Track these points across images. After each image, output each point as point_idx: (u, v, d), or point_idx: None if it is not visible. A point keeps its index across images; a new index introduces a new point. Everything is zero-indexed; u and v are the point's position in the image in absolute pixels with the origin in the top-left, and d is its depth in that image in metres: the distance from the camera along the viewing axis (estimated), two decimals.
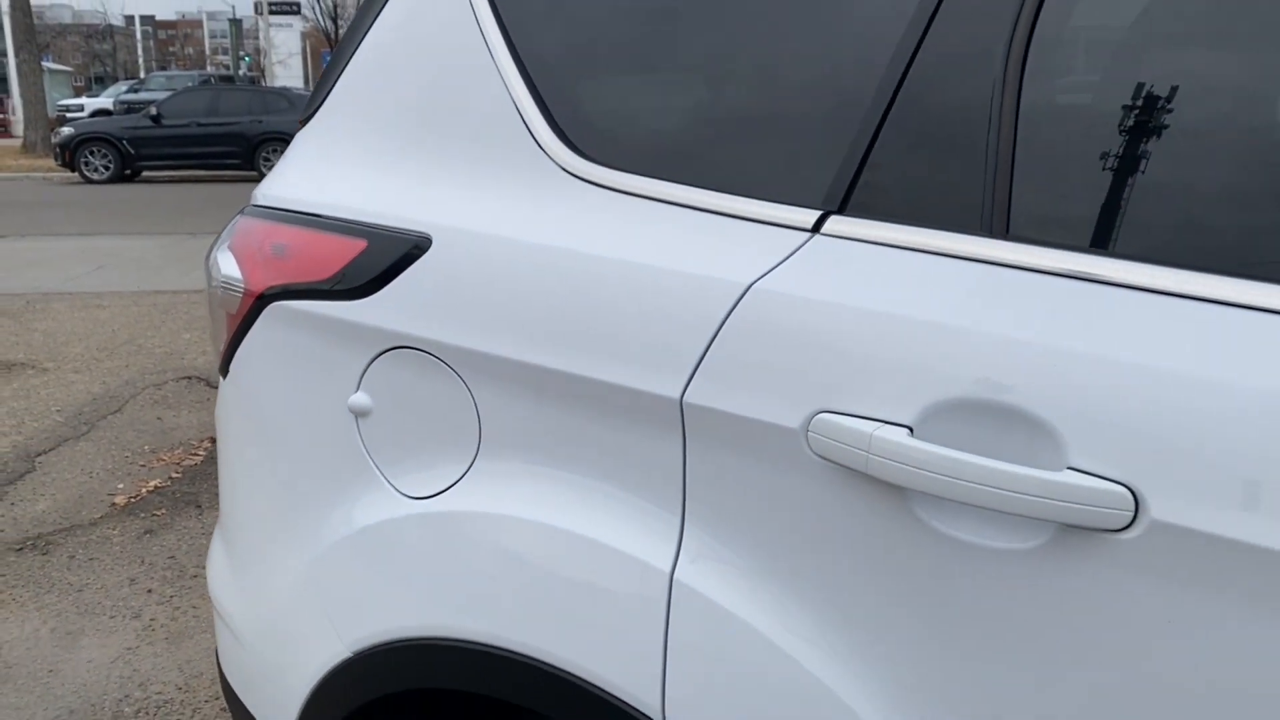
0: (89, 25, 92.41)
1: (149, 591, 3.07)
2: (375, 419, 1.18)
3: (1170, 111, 0.82)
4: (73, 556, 3.32)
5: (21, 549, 3.37)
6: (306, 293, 1.23)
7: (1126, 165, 0.83)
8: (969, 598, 0.81)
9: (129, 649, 2.75)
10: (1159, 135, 0.82)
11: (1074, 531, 0.76)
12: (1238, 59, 0.81)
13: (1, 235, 10.79)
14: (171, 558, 3.31)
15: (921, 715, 0.84)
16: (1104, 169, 0.83)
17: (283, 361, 1.27)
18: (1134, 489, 0.73)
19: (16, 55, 23.63)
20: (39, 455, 4.25)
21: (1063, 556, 0.77)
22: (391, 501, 1.16)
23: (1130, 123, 0.83)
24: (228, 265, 1.34)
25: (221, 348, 1.38)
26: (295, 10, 37.51)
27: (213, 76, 24.54)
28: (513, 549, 1.05)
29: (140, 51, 70.93)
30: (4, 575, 3.17)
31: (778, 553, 0.91)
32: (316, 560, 1.23)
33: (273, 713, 1.33)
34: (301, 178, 1.34)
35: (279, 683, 1.30)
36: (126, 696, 2.53)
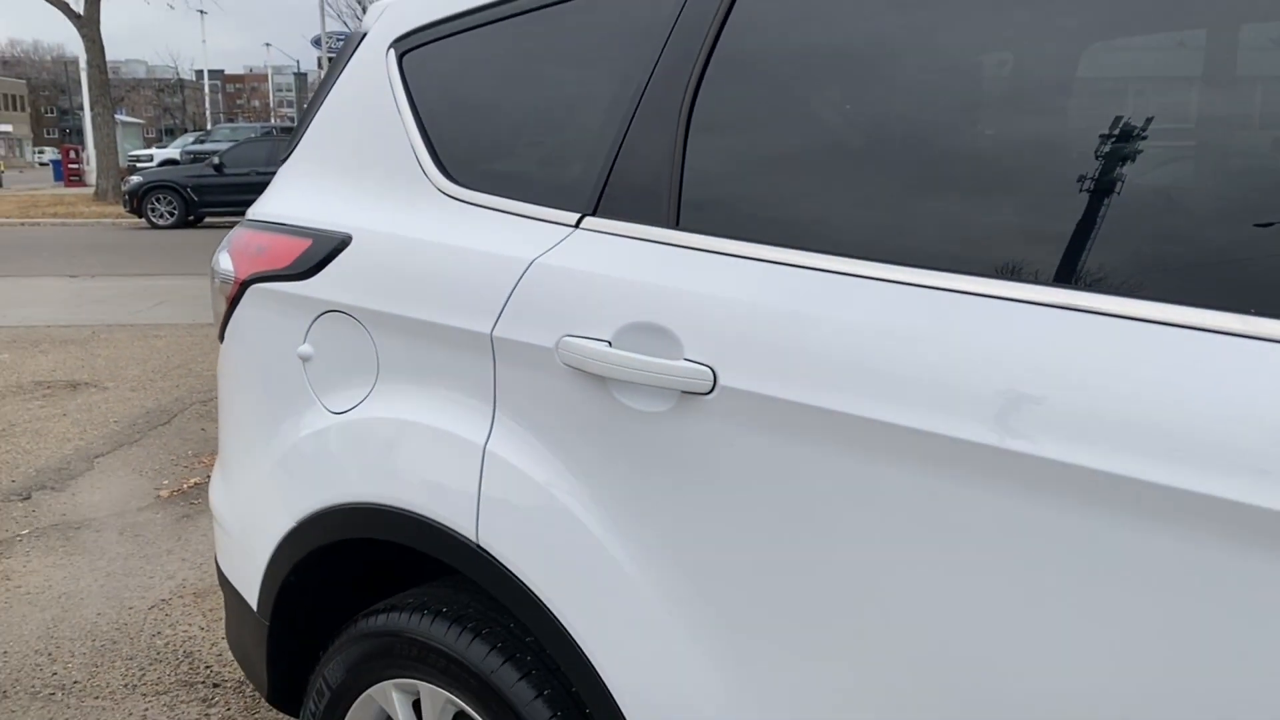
0: (161, 80, 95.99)
1: (183, 560, 3.63)
2: (314, 362, 1.72)
3: (774, 139, 1.33)
4: (121, 533, 3.89)
5: (80, 528, 3.96)
6: (272, 277, 1.78)
7: (739, 190, 1.34)
8: (642, 446, 1.32)
9: (163, 600, 3.30)
10: (762, 163, 1.34)
11: (687, 397, 1.27)
12: (844, 92, 1.31)
13: (73, 275, 11.64)
14: (204, 536, 3.87)
15: (617, 519, 1.35)
16: (729, 191, 1.35)
17: (257, 327, 1.82)
18: (713, 368, 1.24)
19: (92, 109, 25.02)
20: (97, 457, 4.87)
21: (684, 413, 1.27)
22: (322, 417, 1.69)
23: (757, 160, 1.35)
24: (225, 263, 1.90)
25: (219, 322, 1.94)
26: None
27: (275, 128, 25.71)
28: (391, 438, 1.58)
29: (208, 104, 73.64)
30: (64, 546, 3.76)
31: (546, 428, 1.42)
32: (274, 462, 1.77)
33: (247, 577, 1.86)
34: (277, 200, 1.90)
35: (250, 555, 1.84)
36: (159, 633, 3.08)
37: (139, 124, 48.84)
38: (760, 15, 1.35)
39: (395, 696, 1.67)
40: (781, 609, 1.20)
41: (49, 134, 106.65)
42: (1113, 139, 1.08)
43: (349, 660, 1.70)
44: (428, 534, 1.53)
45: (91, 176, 29.04)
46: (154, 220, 18.29)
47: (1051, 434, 0.99)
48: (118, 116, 29.28)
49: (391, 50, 1.80)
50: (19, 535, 3.87)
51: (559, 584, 1.39)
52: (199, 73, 77.04)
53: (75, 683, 2.80)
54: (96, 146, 25.27)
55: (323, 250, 1.71)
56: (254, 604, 1.86)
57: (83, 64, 25.53)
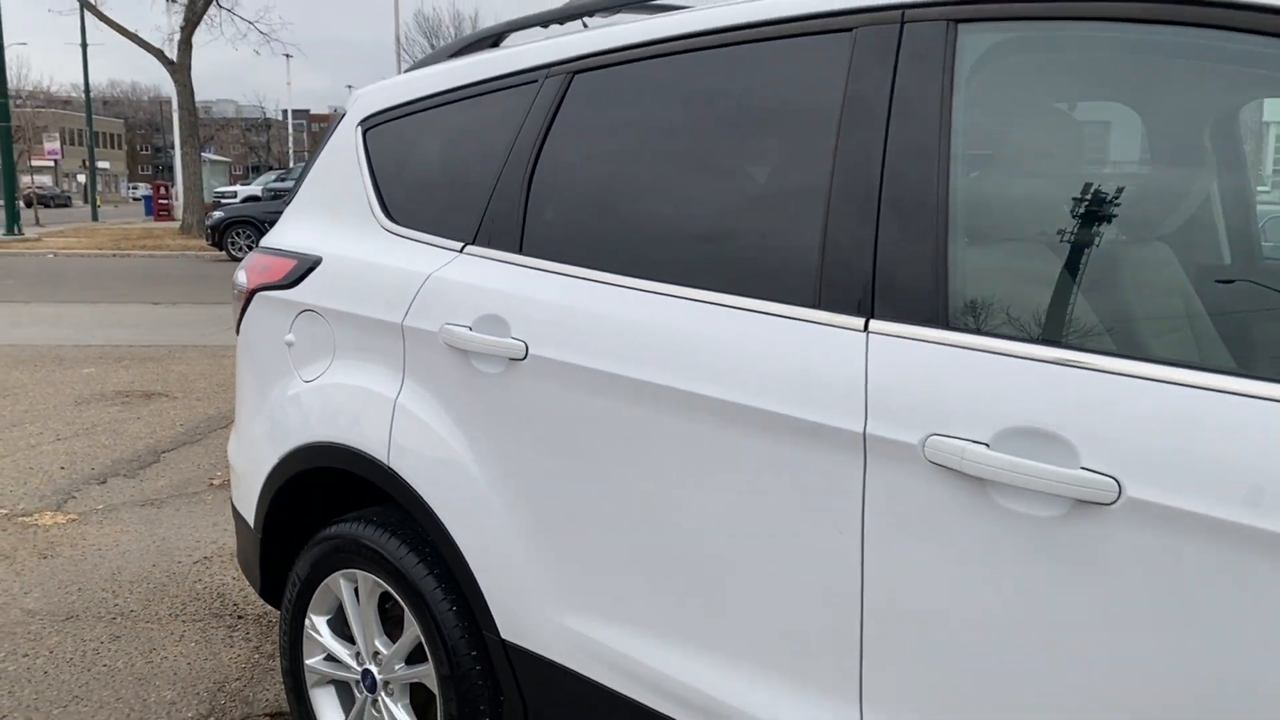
0: (248, 119, 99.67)
1: (225, 530, 4.38)
2: (295, 346, 2.43)
3: (578, 195, 2.01)
4: (177, 510, 4.67)
5: (144, 505, 4.74)
6: (271, 287, 2.51)
7: (558, 229, 2.02)
8: (487, 397, 1.99)
9: (205, 557, 4.05)
10: (572, 211, 2.01)
11: (511, 361, 1.94)
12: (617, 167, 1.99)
13: (156, 303, 12.70)
14: None
15: (472, 446, 2.02)
16: (552, 230, 2.03)
17: (260, 323, 2.54)
18: (527, 343, 1.92)
19: (181, 148, 26.61)
20: (164, 452, 5.68)
21: (509, 373, 1.95)
22: (298, 384, 2.40)
23: (569, 208, 2.03)
24: (241, 278, 2.64)
25: (236, 320, 2.66)
26: None
27: None
28: (339, 396, 2.28)
29: (290, 143, 76.47)
30: (131, 518, 4.53)
31: (433, 387, 2.10)
32: (266, 417, 2.49)
33: (248, 503, 2.58)
34: (279, 233, 2.63)
35: (250, 486, 2.55)
36: (200, 580, 3.82)
37: (226, 162, 51.12)
38: (573, 116, 2.04)
39: (342, 583, 2.36)
40: (567, 502, 1.87)
41: (143, 170, 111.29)
42: (745, 200, 1.75)
43: (313, 559, 2.40)
44: (358, 461, 2.22)
45: (179, 211, 30.72)
46: (233, 253, 19.50)
47: (721, 384, 1.65)
48: (205, 155, 30.99)
49: (359, 127, 2.52)
50: (95, 509, 4.66)
51: (436, 490, 2.08)
52: (284, 112, 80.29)
53: (131, 610, 3.54)
54: (184, 183, 26.85)
55: (303, 268, 2.44)
56: (251, 523, 2.58)
57: (175, 106, 27.17)
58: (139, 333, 10.03)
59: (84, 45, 38.09)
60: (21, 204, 32.36)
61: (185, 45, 24.56)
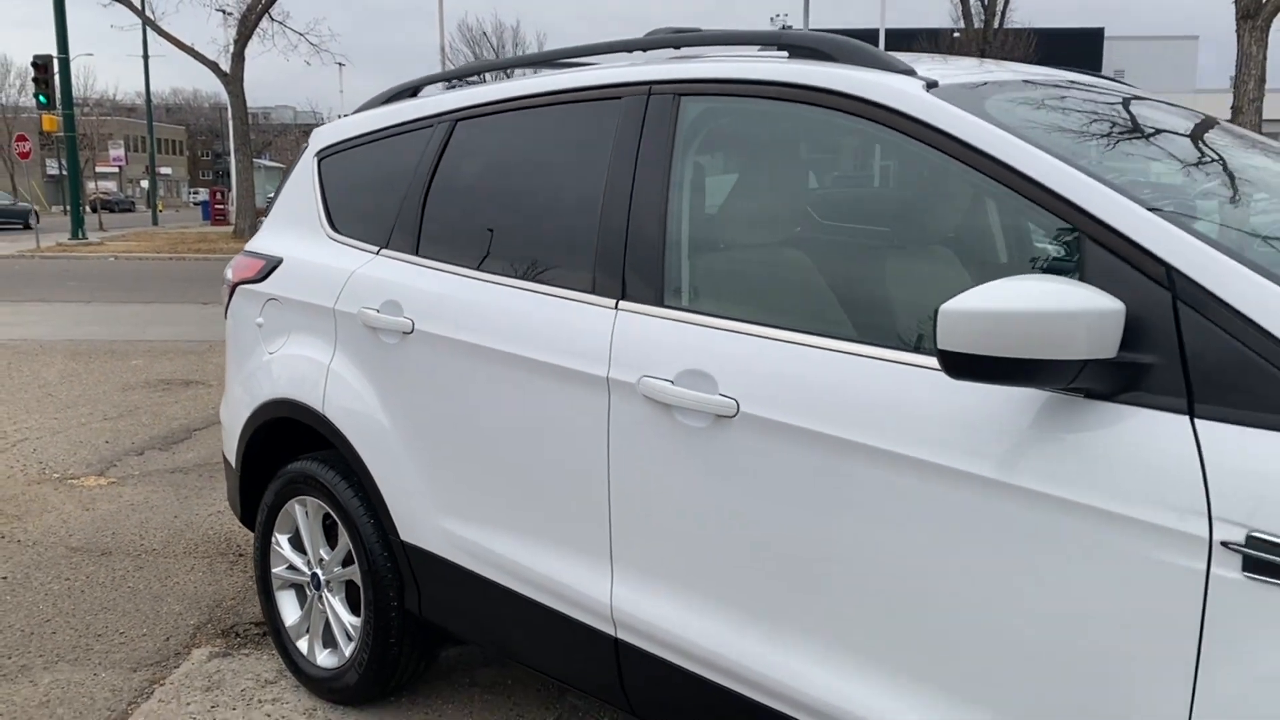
0: (304, 125, 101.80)
1: None
2: (264, 327, 3.17)
3: (458, 213, 2.72)
4: (200, 476, 5.46)
5: (174, 472, 5.54)
6: (247, 281, 3.25)
7: (444, 239, 2.73)
8: (388, 361, 2.70)
9: (218, 512, 4.82)
10: (453, 224, 2.72)
11: (404, 335, 2.66)
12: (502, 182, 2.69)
13: (204, 303, 13.64)
14: None
15: (382, 399, 2.73)
16: (440, 239, 2.74)
17: (239, 309, 3.29)
18: (414, 320, 2.63)
19: (235, 155, 27.82)
20: (195, 430, 6.49)
21: (403, 343, 2.66)
22: (265, 355, 3.14)
23: (451, 222, 2.74)
24: (229, 274, 3.39)
25: (225, 308, 3.41)
26: None
27: None
28: (292, 363, 3.01)
29: None
30: (161, 482, 5.33)
31: (354, 355, 2.82)
32: (242, 381, 3.23)
33: (231, 449, 3.32)
34: (258, 239, 3.38)
35: (232, 434, 3.30)
36: (212, 528, 4.59)
37: (279, 167, 52.62)
38: (454, 153, 2.76)
39: (297, 508, 3.09)
40: (441, 436, 2.59)
41: (204, 175, 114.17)
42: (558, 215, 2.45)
43: (276, 490, 3.13)
44: (304, 411, 2.95)
45: (234, 216, 32.01)
46: None
47: (530, 346, 2.36)
48: (260, 161, 32.23)
49: (315, 157, 3.26)
50: (132, 474, 5.47)
51: (355, 431, 2.80)
52: (339, 118, 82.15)
53: (153, 549, 4.32)
54: (238, 189, 28.06)
55: (270, 266, 3.18)
56: (234, 464, 3.32)
57: (229, 115, 28.40)
58: (185, 329, 10.93)
59: (145, 57, 39.79)
60: (87, 209, 33.86)
61: (238, 57, 25.73)
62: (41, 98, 27.01)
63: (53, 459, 5.76)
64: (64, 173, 31.95)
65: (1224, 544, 1.42)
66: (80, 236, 28.23)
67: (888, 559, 1.78)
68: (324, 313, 2.93)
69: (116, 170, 65.11)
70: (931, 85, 1.93)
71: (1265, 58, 13.05)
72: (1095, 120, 2.13)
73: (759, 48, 2.33)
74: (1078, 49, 48.19)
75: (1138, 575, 1.50)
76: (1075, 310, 1.48)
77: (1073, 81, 2.39)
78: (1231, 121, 11.77)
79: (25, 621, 3.62)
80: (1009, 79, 2.17)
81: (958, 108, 1.83)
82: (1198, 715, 1.45)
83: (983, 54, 28.32)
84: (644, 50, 2.50)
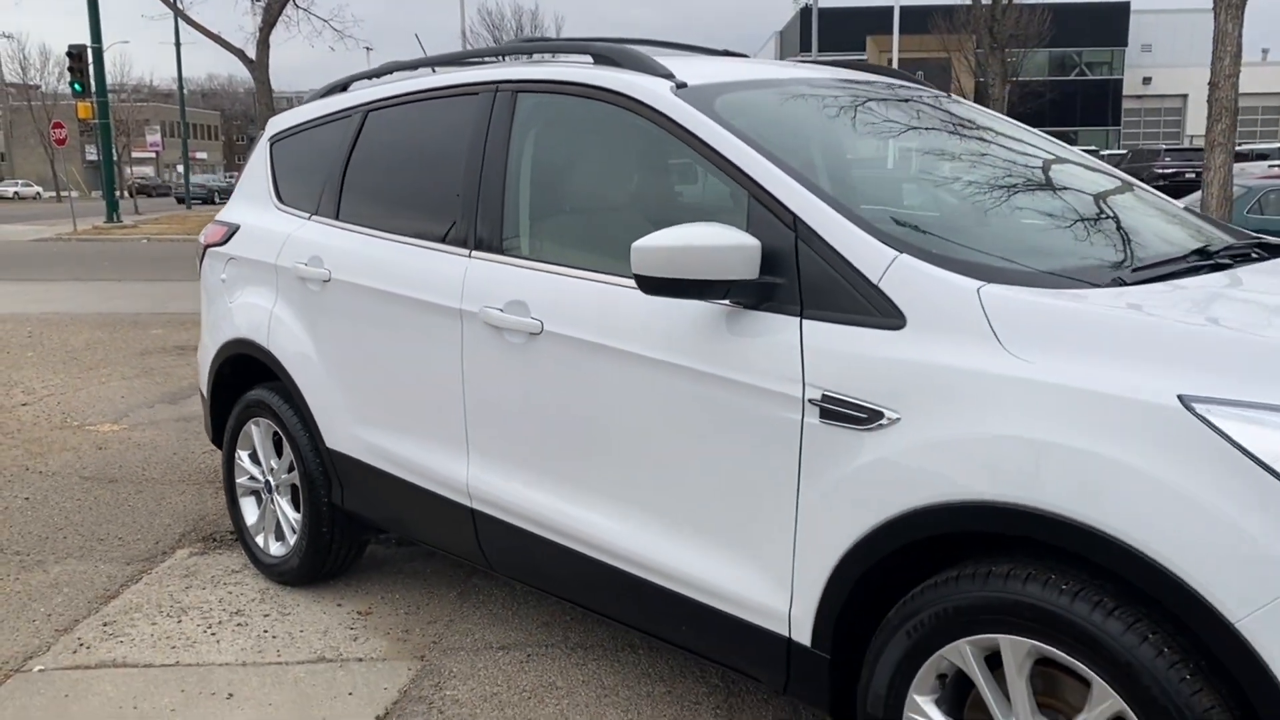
0: None
1: None
2: (226, 282, 3.89)
3: (371, 185, 3.41)
4: (200, 424, 6.20)
5: (179, 421, 6.30)
6: (214, 245, 3.98)
7: (359, 206, 3.43)
8: (313, 303, 3.40)
9: (213, 451, 5.57)
10: (365, 193, 3.41)
11: (324, 282, 3.36)
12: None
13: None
14: None
15: (311, 333, 3.44)
16: (356, 206, 3.44)
17: (210, 269, 4.02)
18: (331, 271, 3.33)
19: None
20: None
21: (322, 289, 3.36)
22: (226, 304, 3.86)
23: (363, 192, 3.43)
24: (201, 239, 4.11)
25: (198, 268, 4.14)
26: None
27: None
28: (245, 309, 3.72)
29: None
30: (168, 428, 6.10)
31: (290, 299, 3.52)
32: (209, 325, 3.96)
33: (203, 383, 4.05)
34: (225, 211, 4.11)
35: (204, 369, 4.03)
36: (204, 462, 5.34)
37: None
38: (366, 138, 3.45)
39: (253, 428, 3.81)
40: (354, 361, 3.30)
41: (239, 159, 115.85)
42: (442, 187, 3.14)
43: (237, 414, 3.86)
44: (254, 347, 3.67)
45: None
46: None
47: (411, 288, 3.06)
48: None
49: (269, 142, 3.96)
50: (141, 423, 6.25)
51: (291, 362, 3.51)
52: None
53: (154, 478, 5.08)
54: None
55: (231, 232, 3.90)
56: (205, 395, 4.06)
57: (256, 100, 29.27)
58: None
59: (177, 44, 40.75)
60: (125, 193, 34.93)
61: (263, 44, 26.53)
62: (76, 86, 27.97)
63: (74, 410, 6.55)
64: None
65: (810, 401, 2.10)
66: (115, 220, 29.28)
67: (627, 426, 2.47)
68: (269, 268, 3.63)
69: (153, 155, 66.49)
70: (681, 86, 2.59)
71: (1240, 34, 13.50)
72: (815, 113, 2.79)
73: (578, 55, 3.00)
74: (1100, 23, 48.11)
75: (765, 423, 2.18)
76: (726, 245, 2.15)
77: (846, 81, 3.04)
78: (1211, 95, 12.31)
79: (42, 529, 4.38)
80: (760, 78, 2.83)
81: (687, 104, 2.50)
82: (801, 509, 2.13)
83: (991, 32, 28.52)
84: (504, 56, 3.18)
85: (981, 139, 2.98)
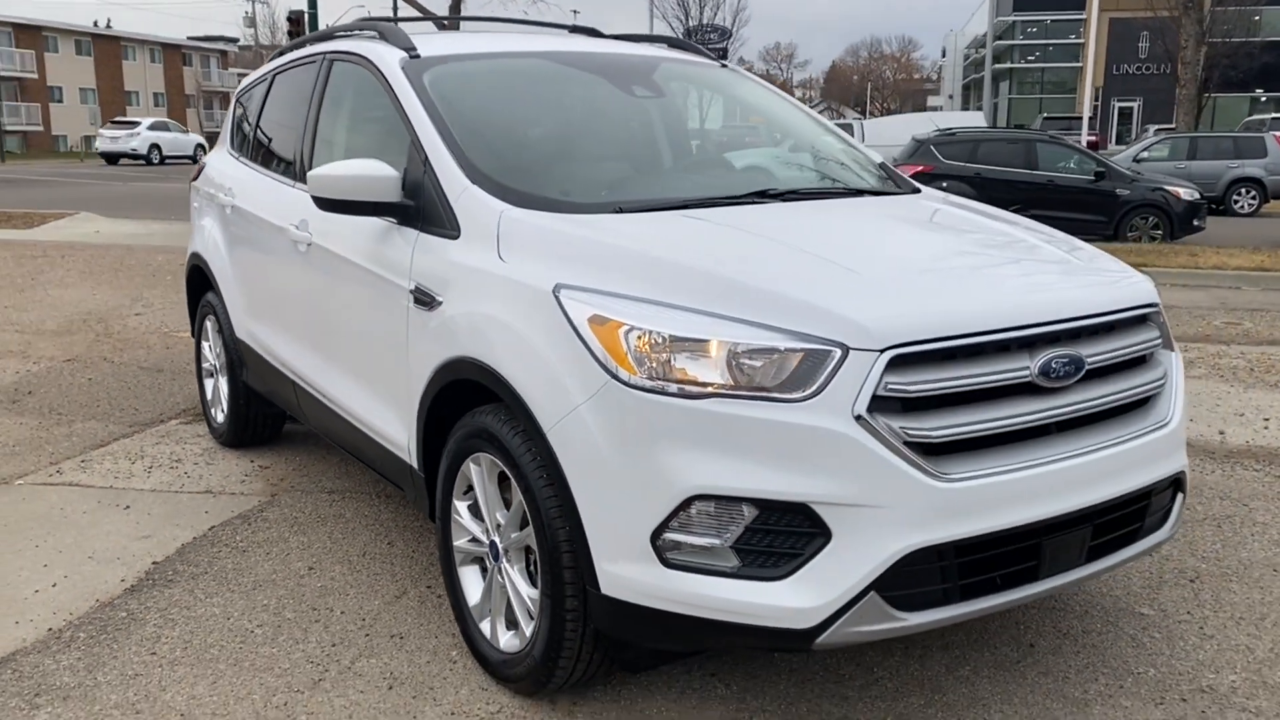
0: None
1: None
2: (199, 209, 4.98)
3: (271, 130, 4.38)
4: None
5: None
6: (194, 179, 5.07)
7: (259, 148, 4.40)
8: (227, 223, 4.41)
9: None
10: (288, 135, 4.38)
11: (231, 208, 4.35)
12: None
13: None
14: None
15: (229, 250, 4.46)
16: (258, 147, 4.41)
17: (196, 198, 5.12)
18: (234, 200, 4.32)
19: None
20: None
21: (229, 213, 4.36)
22: (200, 226, 4.95)
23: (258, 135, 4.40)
24: (194, 180, 5.22)
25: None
26: None
27: None
28: (206, 231, 4.79)
29: None
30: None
31: (217, 220, 4.55)
32: (192, 239, 5.06)
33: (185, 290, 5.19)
34: (207, 155, 5.19)
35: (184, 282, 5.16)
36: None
37: None
38: (273, 96, 4.42)
39: (208, 323, 4.90)
40: (248, 269, 4.31)
41: None
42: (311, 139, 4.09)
43: (199, 314, 4.95)
44: (200, 258, 4.74)
45: None
46: None
47: (274, 214, 4.04)
48: None
49: (235, 98, 5.00)
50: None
51: (215, 266, 4.57)
52: None
53: (190, 371, 6.31)
54: None
55: (201, 169, 4.98)
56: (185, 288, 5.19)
57: None
58: None
59: (394, 9, 43.60)
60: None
61: (454, 8, 28.34)
62: None
63: (165, 322, 7.94)
64: None
65: (409, 290, 2.90)
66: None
67: (340, 309, 3.35)
68: (211, 196, 4.68)
69: None
70: (414, 57, 3.40)
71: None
72: (511, 82, 3.53)
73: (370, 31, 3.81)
74: None
75: (393, 307, 3.00)
76: (372, 175, 2.97)
77: (581, 53, 3.76)
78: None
79: (85, 400, 5.65)
80: (491, 51, 3.61)
81: (401, 71, 3.31)
82: (410, 367, 2.95)
83: None
84: (349, 33, 4.06)
85: (669, 103, 3.67)
